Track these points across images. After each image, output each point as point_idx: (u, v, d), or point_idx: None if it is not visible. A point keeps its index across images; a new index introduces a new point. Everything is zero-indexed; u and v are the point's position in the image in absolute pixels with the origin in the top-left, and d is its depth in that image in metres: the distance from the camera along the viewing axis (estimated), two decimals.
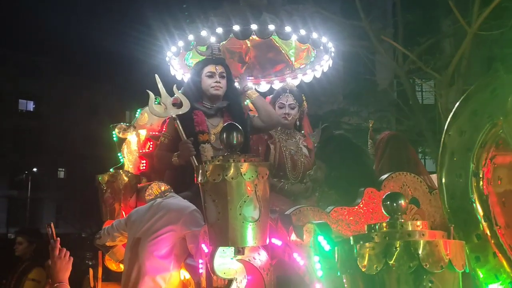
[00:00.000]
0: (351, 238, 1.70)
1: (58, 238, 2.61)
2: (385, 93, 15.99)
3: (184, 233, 3.34)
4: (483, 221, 1.82)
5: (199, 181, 2.44)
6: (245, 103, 4.88)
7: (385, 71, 16.02)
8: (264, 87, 5.01)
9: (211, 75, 4.13)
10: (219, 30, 4.12)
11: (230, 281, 2.50)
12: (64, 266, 2.58)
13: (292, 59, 4.95)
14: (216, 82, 4.12)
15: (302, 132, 4.60)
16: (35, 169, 32.23)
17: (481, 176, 1.81)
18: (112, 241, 3.90)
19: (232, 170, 2.35)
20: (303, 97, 4.58)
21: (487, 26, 11.82)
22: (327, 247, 2.17)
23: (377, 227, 1.68)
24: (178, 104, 4.08)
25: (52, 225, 2.61)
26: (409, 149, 3.79)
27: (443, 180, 1.95)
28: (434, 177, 3.74)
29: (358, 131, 12.92)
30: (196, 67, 4.25)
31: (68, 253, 2.61)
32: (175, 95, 4.12)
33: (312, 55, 4.81)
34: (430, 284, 1.51)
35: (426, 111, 14.24)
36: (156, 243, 3.33)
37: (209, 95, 4.16)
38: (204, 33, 4.15)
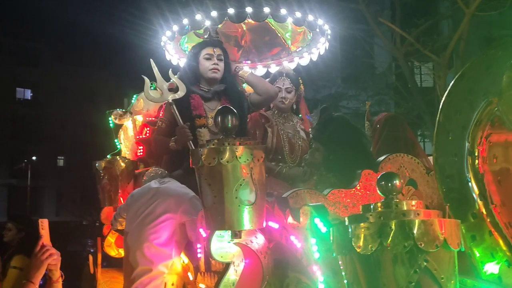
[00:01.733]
0: (346, 218, 1.70)
1: (43, 236, 2.53)
2: (383, 76, 15.96)
3: (184, 220, 3.33)
4: (478, 200, 1.81)
5: (194, 165, 2.43)
6: (243, 86, 4.86)
7: (383, 53, 15.94)
8: (260, 71, 4.98)
9: (209, 58, 4.10)
10: (214, 13, 4.09)
11: (228, 265, 2.50)
12: (38, 265, 2.47)
13: (289, 42, 4.92)
14: (214, 64, 4.09)
15: (300, 115, 4.58)
16: (34, 158, 32.24)
17: (476, 154, 1.80)
18: (121, 226, 3.91)
19: (227, 154, 2.33)
20: (300, 80, 4.55)
21: (485, 7, 11.75)
22: (323, 229, 2.17)
23: (371, 207, 1.67)
24: (174, 89, 4.06)
25: (42, 221, 2.55)
26: (406, 130, 3.77)
27: (439, 160, 1.94)
28: (432, 159, 3.74)
29: (356, 114, 12.92)
30: (194, 50, 4.22)
31: (48, 254, 2.49)
32: (171, 80, 4.10)
33: (308, 38, 4.78)
34: (425, 263, 1.50)
35: (425, 94, 14.21)
36: (156, 231, 3.32)
37: (207, 78, 4.13)
38: (198, 16, 4.12)
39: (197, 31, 4.32)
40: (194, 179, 2.80)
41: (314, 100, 13.88)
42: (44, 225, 2.54)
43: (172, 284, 3.33)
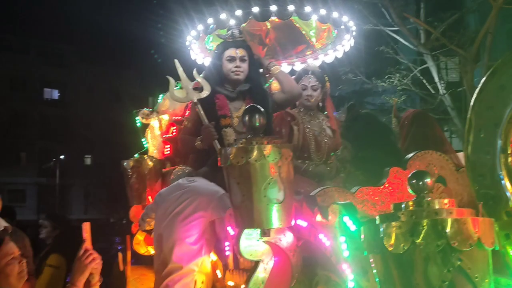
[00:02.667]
0: (377, 217, 1.69)
1: (86, 240, 2.56)
2: (408, 72, 15.74)
3: (214, 218, 3.34)
4: None
5: (223, 164, 2.44)
6: (267, 84, 4.87)
7: (408, 49, 15.74)
8: (285, 68, 4.97)
9: (231, 59, 4.10)
10: (239, 12, 4.09)
11: (257, 263, 2.51)
12: (81, 268, 2.50)
13: (313, 39, 4.90)
14: (236, 67, 4.09)
15: (325, 113, 4.56)
16: (62, 157, 32.78)
17: (509, 152, 1.77)
18: (149, 226, 3.95)
19: (255, 153, 2.34)
20: (326, 77, 4.53)
21: None
22: (353, 227, 2.16)
23: (403, 206, 1.66)
24: (199, 89, 4.08)
25: (85, 225, 2.57)
26: (435, 127, 3.72)
27: (470, 157, 1.92)
28: (460, 155, 3.69)
29: (381, 111, 12.79)
30: (217, 51, 4.23)
31: (92, 258, 2.52)
32: (195, 80, 4.12)
33: (333, 35, 4.75)
34: (459, 262, 1.49)
35: (451, 89, 14.00)
36: (187, 229, 3.34)
37: (230, 80, 4.14)
38: (223, 15, 4.13)
39: (220, 31, 4.33)
40: (220, 176, 2.83)
41: (339, 97, 13.79)
42: (86, 228, 2.55)
43: (202, 282, 3.35)
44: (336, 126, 4.47)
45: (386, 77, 14.97)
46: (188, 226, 3.32)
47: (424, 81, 14.92)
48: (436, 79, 13.52)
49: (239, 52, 4.11)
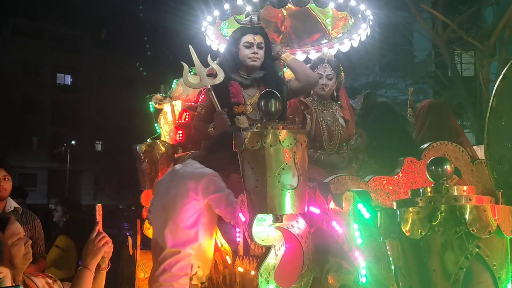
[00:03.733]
0: (394, 203, 1.67)
1: (99, 222, 2.53)
2: (423, 64, 15.61)
3: (207, 199, 3.27)
4: None
5: (237, 149, 2.43)
6: (282, 72, 4.84)
7: (423, 41, 15.59)
8: (300, 57, 4.94)
9: (249, 46, 4.08)
10: None
11: (269, 249, 2.50)
12: (94, 251, 2.47)
13: (329, 28, 4.85)
14: (253, 53, 4.07)
15: (339, 103, 4.54)
16: (73, 142, 32.99)
17: None
18: None
19: (270, 137, 2.33)
20: (341, 67, 4.50)
21: None
22: (367, 214, 2.15)
23: (421, 191, 1.64)
24: (213, 75, 4.07)
25: (99, 207, 2.55)
26: (450, 118, 3.69)
27: (490, 146, 1.89)
28: (475, 148, 3.66)
29: (395, 104, 12.69)
30: (234, 36, 4.20)
31: (104, 241, 2.49)
32: (210, 66, 4.11)
33: (349, 24, 4.71)
34: (477, 250, 1.47)
35: (466, 83, 13.86)
36: (180, 213, 3.28)
37: (246, 66, 4.12)
38: (240, 1, 4.10)
39: (238, 16, 4.30)
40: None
41: (352, 88, 13.71)
42: (99, 210, 2.54)
43: (198, 267, 3.33)
44: (350, 116, 4.44)
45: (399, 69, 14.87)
46: (181, 211, 3.26)
47: (439, 73, 14.77)
48: (451, 72, 13.36)
49: (257, 39, 4.09)
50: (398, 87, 15.36)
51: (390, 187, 2.79)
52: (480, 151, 3.62)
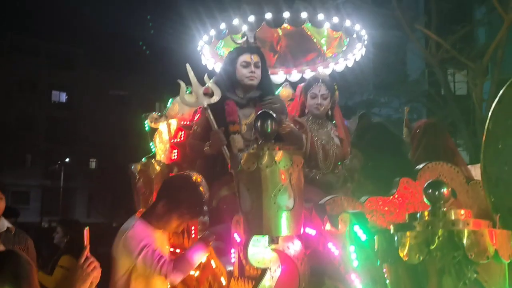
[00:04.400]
0: (392, 226, 1.66)
1: (87, 247, 2.48)
2: (416, 83, 15.74)
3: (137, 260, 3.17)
4: None
5: (233, 170, 2.43)
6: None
7: (416, 60, 15.74)
8: (295, 76, 4.96)
9: (246, 65, 4.09)
10: (251, 18, 4.08)
11: (264, 270, 2.48)
12: (83, 277, 2.41)
13: (324, 48, 4.88)
14: (251, 72, 4.07)
15: (334, 122, 4.54)
16: (67, 160, 32.86)
17: None
18: None
19: (266, 159, 2.33)
20: (335, 86, 4.52)
21: None
22: (363, 237, 2.14)
23: (418, 215, 1.63)
24: (209, 94, 4.07)
25: (86, 231, 2.50)
26: (446, 138, 3.70)
27: (487, 168, 1.89)
28: (469, 167, 3.66)
29: (388, 122, 12.76)
30: (231, 56, 4.21)
31: (93, 267, 2.43)
32: (206, 85, 4.11)
33: (344, 44, 4.74)
34: (475, 275, 1.46)
35: (459, 101, 13.97)
36: (113, 267, 3.26)
37: (243, 85, 4.12)
38: (236, 21, 4.12)
39: (234, 36, 4.32)
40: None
41: (346, 106, 13.78)
42: (87, 234, 2.49)
43: None
44: (344, 135, 4.44)
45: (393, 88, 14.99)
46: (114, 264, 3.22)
47: (432, 92, 14.89)
48: (444, 91, 13.49)
49: (254, 58, 4.10)
50: (392, 106, 15.45)
51: (386, 208, 2.79)
52: (474, 170, 3.62)
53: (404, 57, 15.81)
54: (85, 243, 2.45)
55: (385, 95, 16.31)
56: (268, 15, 4.03)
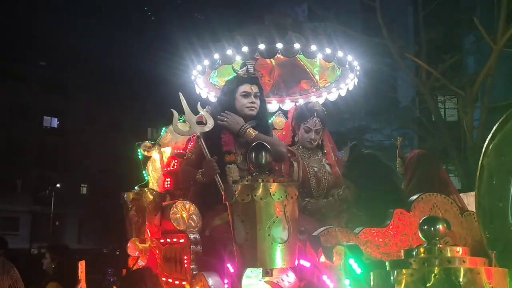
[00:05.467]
0: (387, 263, 1.66)
1: (81, 280, 2.45)
2: (407, 111, 15.88)
3: None
4: None
5: (228, 201, 2.42)
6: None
7: (407, 88, 15.94)
8: (288, 105, 4.99)
9: (246, 95, 4.11)
10: (245, 48, 4.12)
11: None
12: None
13: (317, 77, 4.93)
14: (251, 102, 4.10)
15: (325, 151, 4.55)
16: (58, 185, 32.61)
17: None
18: None
19: (261, 190, 2.33)
20: (325, 112, 4.53)
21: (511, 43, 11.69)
22: (358, 270, 2.13)
23: (414, 253, 1.63)
24: (202, 122, 4.08)
25: (81, 264, 2.47)
26: (439, 169, 3.72)
27: (482, 204, 1.90)
28: (461, 196, 3.68)
29: (380, 148, 12.85)
30: (230, 86, 4.21)
31: None
32: (199, 113, 4.12)
33: (337, 74, 4.79)
34: None
35: (450, 128, 14.09)
36: None
37: (243, 115, 4.12)
38: (229, 51, 4.16)
39: (235, 66, 4.33)
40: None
41: (338, 133, 13.85)
42: (82, 267, 2.47)
43: None
44: (333, 160, 4.45)
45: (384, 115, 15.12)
46: None
47: (423, 119, 15.02)
48: (435, 118, 13.63)
49: (254, 88, 4.12)
50: (383, 132, 15.56)
51: (380, 239, 2.79)
52: (466, 199, 3.64)
53: (395, 84, 15.98)
54: (79, 276, 2.42)
55: (377, 122, 16.44)
56: (262, 46, 4.08)
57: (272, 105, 5.02)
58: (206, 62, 4.35)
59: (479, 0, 14.21)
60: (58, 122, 38.31)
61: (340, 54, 4.32)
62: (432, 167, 3.68)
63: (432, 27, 14.20)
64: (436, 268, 1.47)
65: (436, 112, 13.76)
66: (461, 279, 1.45)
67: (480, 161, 1.88)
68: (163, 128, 4.85)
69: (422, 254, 1.60)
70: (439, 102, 16.13)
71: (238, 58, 4.18)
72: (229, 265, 2.86)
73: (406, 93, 16.34)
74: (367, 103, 16.69)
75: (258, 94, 4.13)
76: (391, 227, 2.79)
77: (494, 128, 1.86)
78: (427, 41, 13.87)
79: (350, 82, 4.76)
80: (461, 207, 3.06)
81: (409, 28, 17.77)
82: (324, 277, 2.35)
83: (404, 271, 1.51)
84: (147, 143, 4.77)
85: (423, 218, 1.72)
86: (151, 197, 4.36)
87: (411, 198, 2.93)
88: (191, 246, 3.55)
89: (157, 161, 4.79)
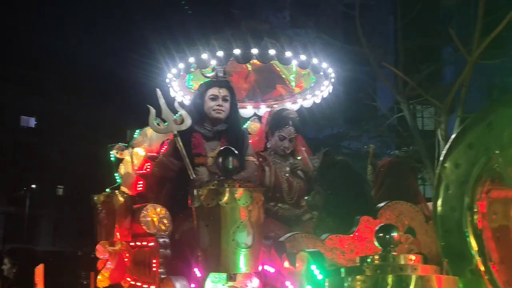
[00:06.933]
0: (342, 270, 1.68)
1: (37, 285, 2.39)
2: (385, 119, 16.04)
3: None
4: (477, 256, 1.79)
5: (192, 205, 2.42)
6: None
7: (386, 96, 16.09)
8: (263, 110, 5.00)
9: (214, 98, 4.14)
10: (220, 53, 4.13)
11: None
12: None
13: (293, 84, 4.95)
14: (218, 105, 4.12)
15: (299, 157, 4.57)
16: (34, 186, 32.14)
17: (475, 210, 1.79)
18: None
19: (226, 195, 2.34)
20: (297, 117, 4.54)
21: (487, 55, 11.90)
22: (319, 276, 2.14)
23: (369, 260, 1.65)
24: (179, 122, 4.07)
25: (38, 269, 2.41)
26: (409, 178, 3.76)
27: (438, 213, 1.93)
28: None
29: (357, 155, 12.94)
30: (200, 89, 4.26)
31: None
32: (178, 113, 4.12)
33: (312, 80, 4.82)
34: None
35: (426, 137, 14.26)
36: None
37: (210, 118, 4.16)
38: (205, 56, 4.17)
39: (204, 70, 4.36)
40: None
41: (316, 139, 13.92)
42: (39, 272, 2.42)
43: None
44: (305, 156, 4.46)
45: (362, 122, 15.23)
46: None
47: (400, 128, 15.18)
48: (411, 127, 13.78)
49: (222, 92, 4.15)
50: (361, 140, 15.68)
51: (346, 246, 2.81)
52: None
53: (374, 93, 16.12)
54: (35, 282, 2.38)
55: (355, 129, 16.56)
56: (237, 51, 4.09)
57: (247, 110, 5.03)
58: (181, 65, 4.35)
59: (457, 12, 14.44)
60: (35, 122, 37.81)
61: (315, 61, 4.35)
62: (402, 175, 3.71)
63: (410, 37, 14.39)
64: (388, 275, 1.49)
65: (412, 122, 13.92)
66: (411, 287, 1.47)
67: (437, 171, 1.92)
68: (137, 131, 4.82)
69: (376, 261, 1.62)
70: (417, 111, 16.32)
71: (214, 62, 4.19)
72: (196, 270, 2.85)
73: (384, 101, 16.49)
74: (346, 110, 16.84)
75: (227, 97, 4.15)
76: (357, 234, 2.82)
77: (451, 139, 1.90)
78: (405, 51, 14.05)
79: (325, 89, 4.79)
80: (428, 215, 3.10)
81: (390, 37, 17.97)
82: (287, 283, 2.36)
83: (358, 277, 1.53)
84: (120, 145, 4.74)
85: (379, 226, 1.74)
86: (121, 199, 4.33)
87: (378, 205, 2.96)
88: (160, 250, 3.53)
89: (129, 163, 4.76)
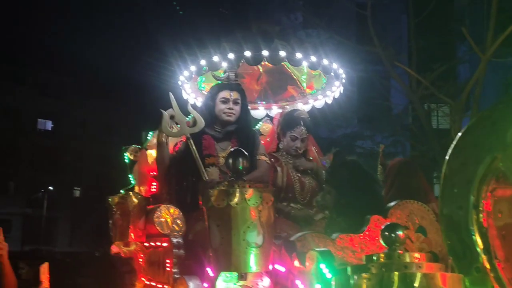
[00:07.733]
0: (349, 268, 1.71)
1: (43, 282, 2.38)
2: (399, 118, 15.96)
3: None
4: (482, 254, 1.80)
5: (204, 206, 2.46)
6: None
7: (399, 95, 16.00)
8: (275, 111, 5.04)
9: (225, 101, 4.18)
10: (231, 55, 4.18)
11: None
12: None
13: (304, 84, 4.98)
14: (229, 108, 4.16)
15: (310, 158, 4.59)
16: (51, 188, 32.50)
17: (481, 208, 1.80)
18: None
19: (237, 196, 2.37)
20: (308, 118, 4.56)
21: (501, 53, 11.79)
22: (329, 275, 2.17)
23: (374, 258, 1.68)
24: (191, 125, 4.12)
25: (43, 267, 2.41)
26: (419, 178, 3.76)
27: (444, 212, 1.95)
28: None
29: (371, 155, 12.90)
30: (211, 91, 4.30)
31: None
32: (189, 116, 4.17)
33: (323, 81, 4.84)
34: None
35: (441, 136, 14.16)
36: None
37: (221, 120, 4.20)
38: (216, 58, 4.21)
39: (215, 72, 4.40)
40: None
41: (329, 139, 13.90)
42: (44, 270, 2.44)
43: None
44: (314, 154, 4.49)
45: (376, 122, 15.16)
46: None
47: (414, 127, 15.09)
48: (425, 126, 13.69)
49: (233, 95, 4.19)
50: (374, 139, 15.62)
51: (357, 245, 2.83)
52: None
53: (386, 92, 16.05)
54: (40, 279, 2.40)
55: (369, 129, 16.50)
56: (247, 53, 4.13)
57: (259, 111, 5.06)
58: (193, 68, 4.40)
59: (471, 10, 14.34)
60: (52, 125, 38.25)
61: (325, 62, 4.37)
62: (412, 175, 3.72)
63: (423, 36, 14.31)
64: (393, 273, 1.51)
65: (426, 121, 13.83)
66: (416, 284, 1.49)
67: (443, 170, 1.94)
68: (150, 132, 4.88)
69: (382, 260, 1.64)
70: (431, 110, 16.21)
71: (225, 65, 4.24)
72: (208, 269, 2.89)
73: (398, 100, 16.40)
74: (359, 110, 16.78)
75: (238, 100, 4.19)
76: (367, 233, 2.83)
77: (457, 138, 1.91)
78: (418, 50, 13.97)
79: (336, 90, 4.80)
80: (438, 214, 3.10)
81: (403, 36, 17.87)
82: (298, 282, 2.39)
83: (363, 275, 1.55)
84: (134, 147, 4.80)
85: (385, 225, 1.77)
86: (135, 201, 4.38)
87: (388, 204, 2.97)
88: (174, 250, 3.58)
89: (143, 165, 4.81)
